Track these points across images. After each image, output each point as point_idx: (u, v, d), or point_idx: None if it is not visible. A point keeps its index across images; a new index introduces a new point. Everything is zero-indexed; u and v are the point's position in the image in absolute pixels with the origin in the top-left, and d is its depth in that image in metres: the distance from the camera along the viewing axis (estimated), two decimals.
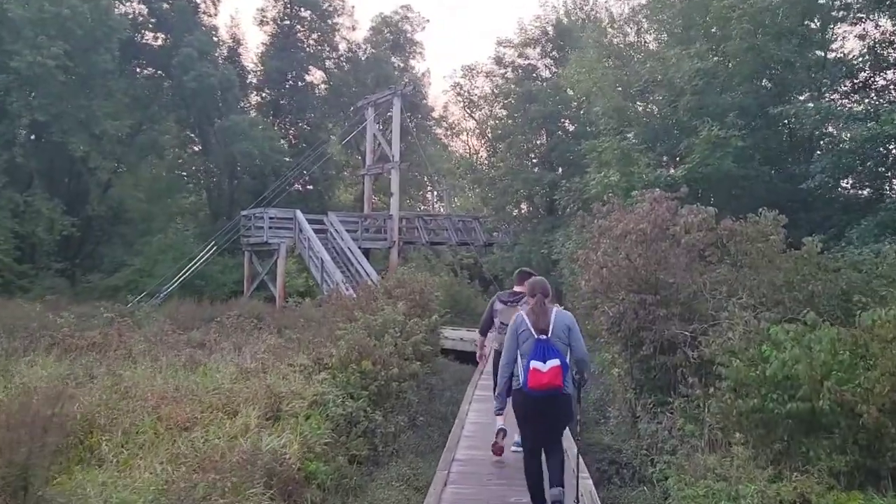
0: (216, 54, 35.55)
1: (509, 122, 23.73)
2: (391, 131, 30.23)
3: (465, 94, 37.09)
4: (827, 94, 13.76)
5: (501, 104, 23.45)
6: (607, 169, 14.00)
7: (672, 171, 13.00)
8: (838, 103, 13.17)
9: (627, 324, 8.79)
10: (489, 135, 25.57)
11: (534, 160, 23.76)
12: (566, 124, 22.85)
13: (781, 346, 6.90)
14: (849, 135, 11.79)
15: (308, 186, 40.27)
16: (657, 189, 9.35)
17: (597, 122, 17.21)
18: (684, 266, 8.60)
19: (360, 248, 28.22)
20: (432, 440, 9.64)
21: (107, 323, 16.36)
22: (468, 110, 38.92)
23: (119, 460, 6.34)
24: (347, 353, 9.51)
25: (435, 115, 43.69)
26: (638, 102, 15.71)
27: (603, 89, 15.26)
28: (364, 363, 9.32)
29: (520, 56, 23.38)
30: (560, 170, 22.77)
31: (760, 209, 8.61)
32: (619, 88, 15.49)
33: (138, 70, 37.32)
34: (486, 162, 25.31)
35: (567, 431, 6.85)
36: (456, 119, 44.52)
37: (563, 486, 5.73)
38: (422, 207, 46.21)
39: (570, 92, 20.46)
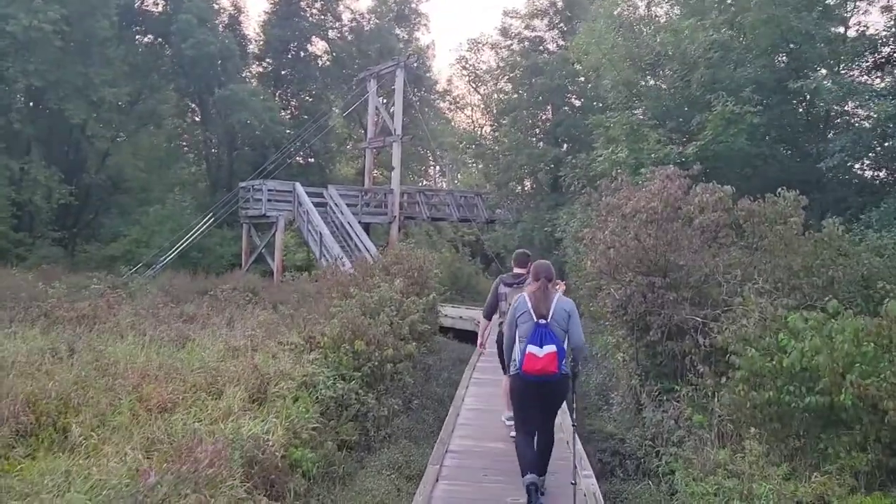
0: (217, 22, 34.78)
1: (514, 95, 23.10)
2: (394, 104, 29.62)
3: (471, 67, 36.56)
4: (846, 71, 13.15)
5: (507, 77, 22.78)
6: (615, 145, 13.46)
7: (683, 148, 12.45)
8: (858, 80, 12.57)
9: (634, 307, 8.35)
10: (494, 109, 24.93)
11: (539, 136, 23.17)
12: (572, 99, 22.24)
13: (800, 336, 6.46)
14: (869, 112, 11.24)
15: (309, 159, 39.69)
16: (671, 165, 8.84)
17: (605, 96, 16.63)
18: (697, 248, 8.13)
19: (360, 222, 27.75)
20: (427, 424, 9.26)
21: (99, 294, 15.95)
22: (473, 85, 38.35)
23: (89, 445, 5.92)
24: (340, 332, 9.09)
25: (439, 88, 42.99)
26: (648, 77, 15.10)
27: (612, 61, 14.66)
28: (357, 343, 8.90)
29: (526, 27, 22.67)
30: (565, 146, 22.21)
31: (779, 189, 8.11)
32: (630, 62, 14.89)
33: (137, 37, 36.61)
34: (490, 136, 24.67)
35: (568, 423, 6.89)
36: (461, 93, 43.93)
37: (543, 476, 5.82)
38: (424, 183, 45.67)
39: (578, 66, 19.80)
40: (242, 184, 28.63)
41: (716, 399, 7.22)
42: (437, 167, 44.26)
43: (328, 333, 9.19)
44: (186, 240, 26.89)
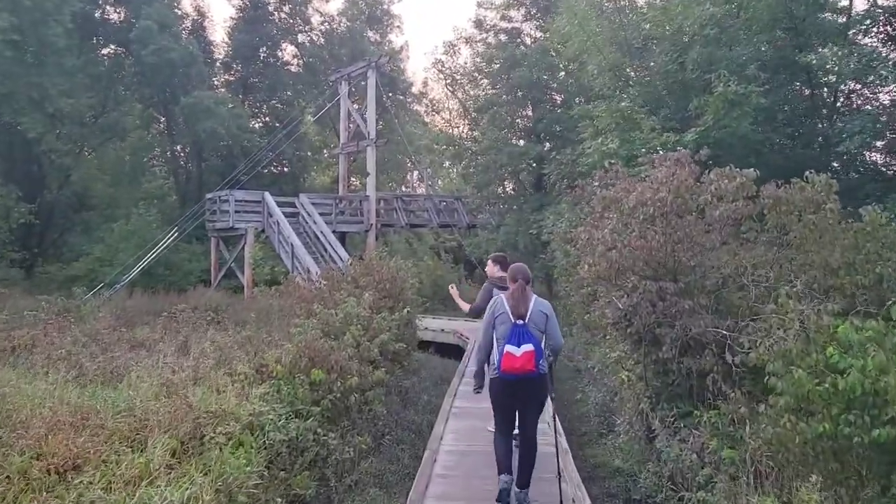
0: (180, 28, 33.25)
1: (491, 91, 21.79)
2: (366, 107, 28.28)
3: (447, 70, 35.25)
4: (855, 45, 11.94)
5: (483, 73, 21.46)
6: (604, 136, 12.18)
7: (680, 136, 11.18)
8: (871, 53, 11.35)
9: (642, 318, 7.02)
10: (471, 109, 23.62)
11: (519, 133, 21.87)
12: (553, 95, 20.96)
13: (855, 350, 5.16)
14: (888, 88, 10.03)
15: (283, 168, 38.24)
16: (680, 149, 7.55)
17: (589, 86, 15.37)
18: (716, 245, 6.83)
19: (334, 231, 26.37)
20: (402, 464, 7.85)
21: (44, 320, 14.42)
22: (450, 88, 37.01)
23: None
24: (295, 359, 7.69)
25: (415, 91, 41.66)
26: (637, 61, 13.83)
27: (597, 45, 13.40)
28: (315, 373, 7.51)
29: (502, 18, 21.36)
30: (547, 145, 20.92)
31: (807, 172, 6.82)
32: (615, 46, 13.62)
33: (98, 48, 35.00)
34: (468, 136, 23.35)
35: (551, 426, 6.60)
36: (437, 97, 42.62)
37: (527, 488, 5.72)
38: (403, 189, 44.27)
39: (559, 56, 18.53)
40: (209, 195, 27.15)
41: (747, 428, 5.92)
42: (416, 173, 42.83)
43: (282, 360, 7.78)
44: (150, 256, 25.28)
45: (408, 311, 11.25)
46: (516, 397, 5.69)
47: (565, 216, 13.96)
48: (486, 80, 21.56)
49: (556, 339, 5.81)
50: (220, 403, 7.25)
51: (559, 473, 5.86)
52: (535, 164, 20.64)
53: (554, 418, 6.28)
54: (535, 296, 5.85)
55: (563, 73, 19.94)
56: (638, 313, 7.10)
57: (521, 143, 21.36)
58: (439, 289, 32.19)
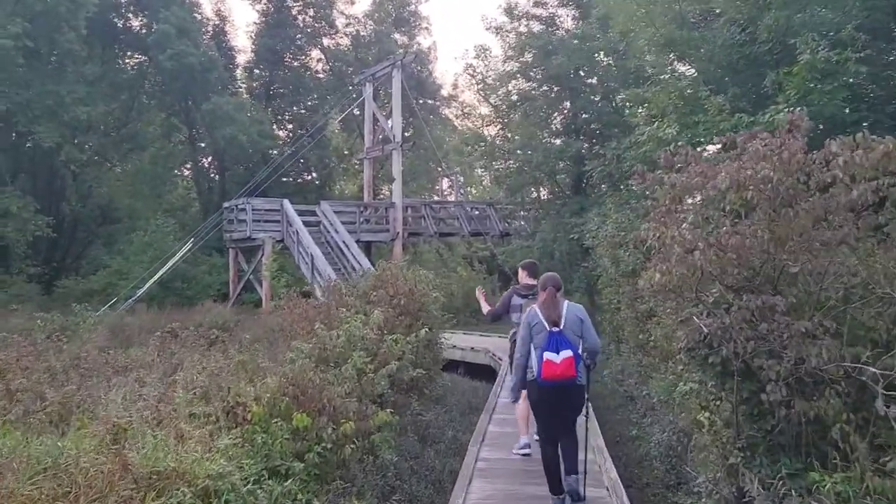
0: (200, 33, 32.06)
1: (525, 85, 19.91)
2: (392, 109, 26.71)
3: (479, 76, 33.21)
4: None
5: (516, 63, 19.59)
6: (660, 121, 10.27)
7: (754, 117, 9.23)
8: None
9: (736, 344, 5.13)
10: (502, 107, 21.81)
11: (556, 130, 19.95)
12: (593, 86, 19.02)
13: None
14: None
15: (308, 176, 36.91)
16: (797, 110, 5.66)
17: (639, 65, 13.47)
18: (837, 243, 4.92)
19: (359, 241, 24.79)
20: None
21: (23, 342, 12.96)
22: (482, 94, 34.97)
23: None
24: (274, 398, 5.95)
25: (444, 94, 39.99)
26: (696, 34, 11.84)
27: (650, 16, 11.50)
28: (298, 418, 5.75)
29: (535, 4, 19.48)
30: (585, 145, 18.96)
31: None
32: (670, 18, 11.70)
33: (119, 56, 34.09)
34: (499, 135, 21.50)
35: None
36: (469, 103, 40.70)
37: (577, 474, 5.85)
38: (432, 198, 42.58)
39: (602, 38, 16.57)
40: (226, 204, 25.76)
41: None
42: (446, 181, 41.06)
43: (260, 399, 6.04)
44: (165, 269, 23.91)
45: (427, 331, 9.45)
46: (555, 402, 5.76)
47: (613, 217, 12.06)
48: (518, 73, 19.67)
49: (592, 340, 5.86)
50: (175, 458, 5.54)
51: (584, 471, 5.97)
52: (572, 164, 18.73)
53: (586, 428, 6.31)
54: (566, 301, 5.91)
55: (605, 60, 17.99)
56: (729, 336, 5.21)
57: (558, 141, 19.48)
58: (472, 301, 30.42)
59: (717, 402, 6.13)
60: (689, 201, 6.07)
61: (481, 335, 19.16)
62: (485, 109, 35.45)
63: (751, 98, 10.37)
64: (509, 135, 20.52)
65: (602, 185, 15.50)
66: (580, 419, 6.10)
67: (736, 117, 9.45)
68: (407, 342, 8.29)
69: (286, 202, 24.09)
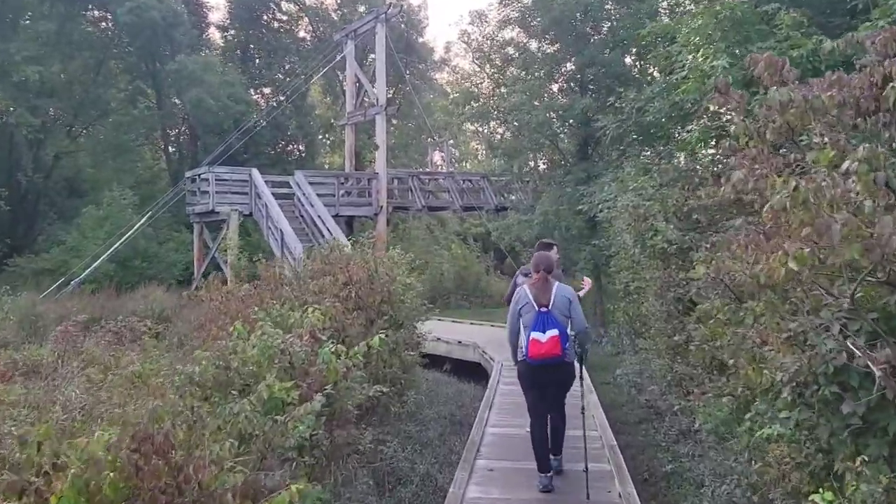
0: None
1: (524, 37, 17.19)
2: (375, 69, 24.00)
3: (475, 42, 30.20)
4: None
5: (514, 14, 16.84)
6: (706, 48, 7.65)
7: (840, 42, 6.69)
8: None
9: None
10: (499, 62, 19.09)
11: (561, 86, 17.26)
12: (604, 34, 16.27)
13: None
14: None
15: (290, 147, 34.19)
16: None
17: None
18: None
19: (337, 216, 22.19)
20: None
21: None
22: (477, 63, 31.94)
23: None
24: (91, 477, 3.42)
25: (436, 59, 37.07)
26: None
27: None
28: None
29: None
30: (594, 101, 16.23)
31: None
32: None
33: (79, 12, 31.07)
34: (495, 92, 18.78)
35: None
36: (463, 69, 37.72)
37: (560, 455, 6.16)
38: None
39: None
40: (188, 173, 23.09)
41: None
42: (438, 153, 38.22)
43: (68, 473, 3.51)
44: (115, 246, 21.31)
45: (391, 333, 6.90)
46: (543, 380, 5.86)
47: (634, 185, 9.49)
48: (515, 23, 16.95)
49: (579, 322, 5.84)
50: None
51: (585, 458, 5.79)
52: (578, 126, 16.08)
53: (583, 422, 6.12)
54: (556, 282, 5.92)
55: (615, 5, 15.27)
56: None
57: (561, 98, 16.81)
58: (464, 282, 27.89)
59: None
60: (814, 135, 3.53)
61: (472, 323, 16.67)
62: (482, 81, 32.62)
63: (827, 19, 7.77)
64: (505, 93, 17.81)
65: (616, 147, 12.91)
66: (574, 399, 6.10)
67: (814, 40, 6.86)
68: (356, 353, 5.74)
69: (255, 171, 21.44)
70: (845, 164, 2.60)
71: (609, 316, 14.49)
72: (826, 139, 3.10)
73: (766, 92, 3.83)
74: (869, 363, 2.71)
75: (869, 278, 2.91)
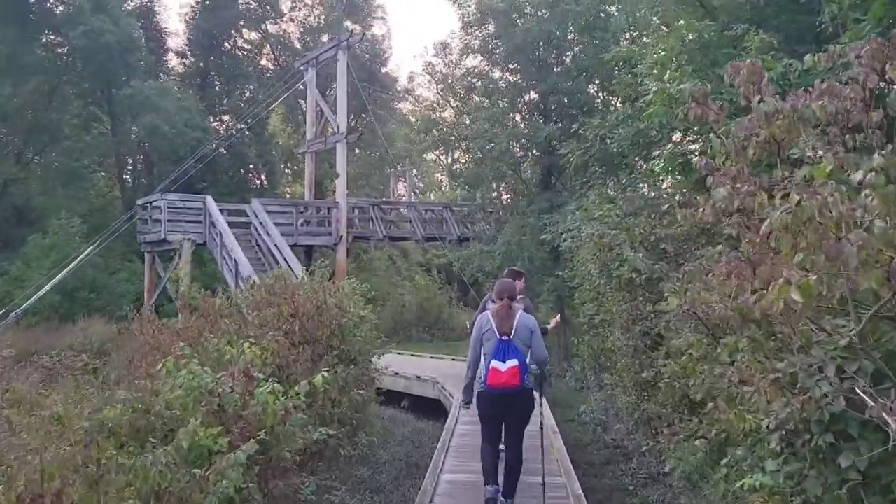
0: (121, 8, 28.43)
1: (485, 64, 16.95)
2: (336, 97, 23.58)
3: (439, 75, 29.83)
4: None
5: (476, 42, 16.63)
6: (673, 71, 7.37)
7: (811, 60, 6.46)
8: None
9: None
10: (460, 91, 18.85)
11: (522, 114, 17.02)
12: (567, 63, 16.11)
13: None
14: None
15: (250, 175, 33.52)
16: None
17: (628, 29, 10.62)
18: None
19: (295, 245, 21.53)
20: None
21: None
22: (441, 95, 31.54)
23: None
24: None
25: (399, 89, 36.86)
26: None
27: None
28: None
29: None
30: (558, 128, 15.98)
31: None
32: None
33: (32, 35, 30.22)
34: (456, 120, 18.50)
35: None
36: (427, 98, 37.50)
37: (513, 497, 5.85)
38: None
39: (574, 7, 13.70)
40: (139, 201, 22.28)
41: None
42: (401, 183, 37.79)
43: None
44: (58, 277, 20.34)
45: (335, 373, 6.35)
46: (502, 410, 5.80)
47: (598, 214, 9.15)
48: (478, 49, 16.72)
49: (539, 353, 5.85)
50: None
51: (543, 483, 5.90)
52: (542, 154, 15.81)
53: (542, 437, 6.16)
54: (520, 311, 5.86)
55: (577, 36, 15.11)
56: None
57: (524, 126, 16.54)
58: (426, 314, 27.32)
59: None
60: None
61: (432, 357, 16.12)
62: (447, 113, 32.29)
63: (795, 40, 7.56)
64: (468, 121, 17.51)
65: (581, 177, 12.61)
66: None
67: (784, 63, 6.61)
68: (297, 392, 5.19)
69: (209, 198, 20.73)
70: (857, 175, 2.21)
71: (573, 349, 14.06)
72: (820, 152, 2.71)
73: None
74: (884, 413, 2.28)
75: (884, 313, 2.51)
